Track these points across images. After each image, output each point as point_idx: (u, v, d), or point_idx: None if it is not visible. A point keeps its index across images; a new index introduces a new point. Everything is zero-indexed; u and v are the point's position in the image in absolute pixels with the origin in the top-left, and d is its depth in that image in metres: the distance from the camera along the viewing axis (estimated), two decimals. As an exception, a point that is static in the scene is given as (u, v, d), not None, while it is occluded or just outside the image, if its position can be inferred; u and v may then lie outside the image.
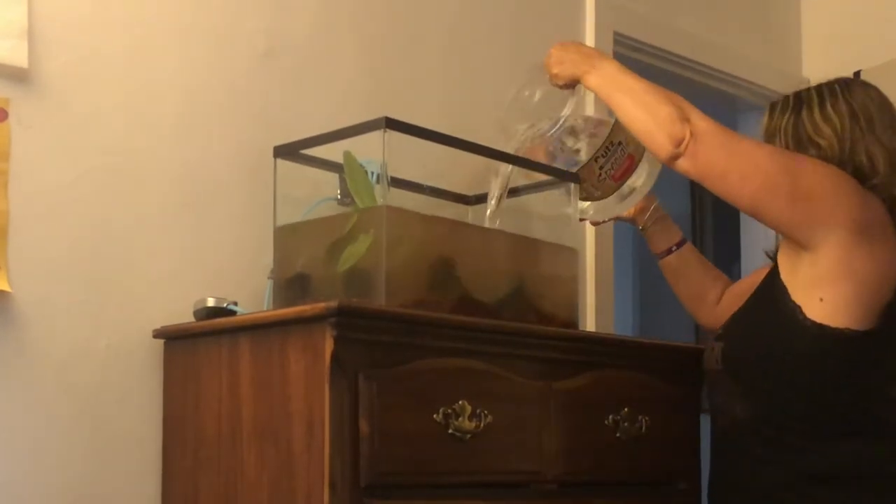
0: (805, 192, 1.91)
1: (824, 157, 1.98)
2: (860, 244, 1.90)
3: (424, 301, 1.95)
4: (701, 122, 1.93)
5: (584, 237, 2.83)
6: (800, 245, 1.93)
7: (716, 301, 2.38)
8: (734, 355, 2.01)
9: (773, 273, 2.00)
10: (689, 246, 2.42)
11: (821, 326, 1.89)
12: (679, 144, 1.91)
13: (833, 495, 1.90)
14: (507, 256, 2.17)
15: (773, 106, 2.10)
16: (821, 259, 1.90)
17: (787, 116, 2.04)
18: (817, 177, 1.93)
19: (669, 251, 2.39)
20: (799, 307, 1.91)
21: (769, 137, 2.06)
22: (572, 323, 2.25)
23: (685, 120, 1.92)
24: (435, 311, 1.94)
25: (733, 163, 1.91)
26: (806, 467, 1.92)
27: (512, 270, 2.16)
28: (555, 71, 2.13)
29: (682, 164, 1.93)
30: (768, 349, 1.95)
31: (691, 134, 1.91)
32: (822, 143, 1.99)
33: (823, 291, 1.89)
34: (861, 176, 1.96)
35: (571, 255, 2.27)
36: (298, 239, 2.08)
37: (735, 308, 2.14)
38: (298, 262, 2.06)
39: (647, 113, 1.96)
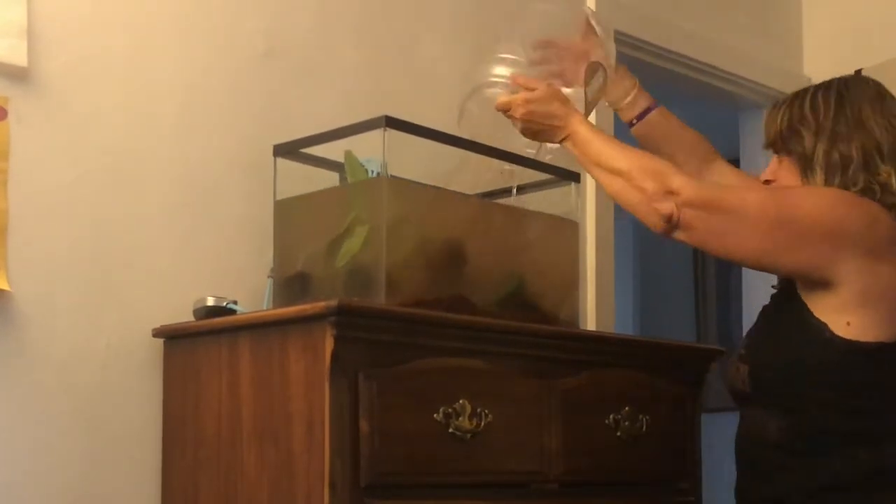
0: (806, 237, 1.87)
1: (803, 149, 1.95)
2: (878, 265, 1.87)
3: (426, 287, 1.96)
4: (685, 190, 1.89)
5: (585, 238, 2.83)
6: (817, 285, 1.90)
7: (696, 171, 2.25)
8: (764, 377, 1.98)
9: (790, 288, 1.97)
10: (658, 112, 2.29)
11: (849, 342, 1.87)
12: (669, 220, 1.89)
13: (855, 502, 1.90)
14: (509, 229, 2.19)
15: (775, 102, 2.10)
16: (841, 291, 1.87)
17: (782, 109, 2.04)
18: (815, 215, 1.88)
19: (631, 124, 2.30)
20: (825, 325, 1.88)
21: (767, 129, 2.05)
22: (573, 321, 2.25)
23: (669, 193, 1.89)
24: (438, 290, 1.96)
25: (727, 228, 1.89)
26: (830, 475, 1.90)
27: (515, 242, 2.18)
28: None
29: (679, 237, 1.91)
30: (798, 367, 1.93)
31: (678, 207, 1.88)
32: (804, 131, 1.96)
33: (850, 316, 1.87)
34: (846, 165, 1.92)
35: (572, 227, 2.30)
36: (299, 213, 2.08)
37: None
38: (298, 250, 2.06)
39: (631, 191, 1.92)
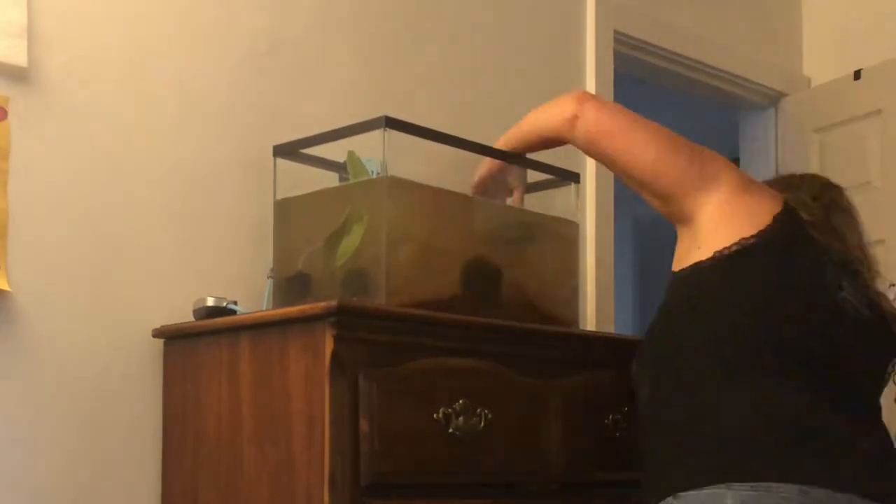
0: (700, 154, 1.95)
1: None
2: (739, 197, 1.92)
3: (426, 287, 1.96)
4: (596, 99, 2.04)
5: (585, 238, 2.83)
6: (683, 214, 1.94)
7: None
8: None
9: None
10: None
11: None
12: (582, 102, 2.00)
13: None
14: (509, 229, 2.20)
15: None
16: (701, 222, 1.92)
17: None
18: (708, 148, 1.98)
19: None
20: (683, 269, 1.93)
21: None
22: (573, 321, 2.25)
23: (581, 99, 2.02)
24: (438, 290, 1.96)
25: (639, 124, 1.98)
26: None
27: (515, 242, 2.20)
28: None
29: (586, 120, 1.98)
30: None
31: (589, 100, 2.01)
32: None
33: (701, 241, 1.92)
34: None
35: (572, 227, 2.31)
36: (299, 213, 2.08)
37: None
38: (298, 250, 2.06)
39: (548, 107, 2.07)
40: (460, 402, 1.85)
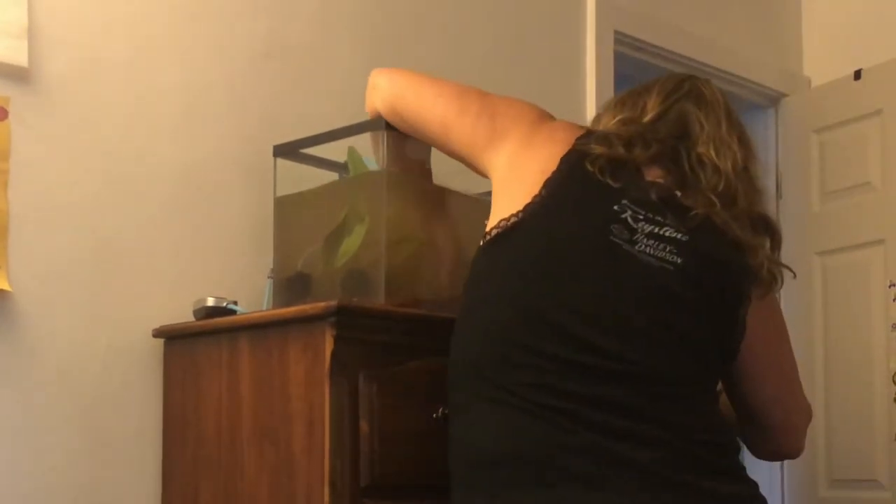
0: (491, 108, 1.77)
1: None
2: (520, 157, 1.71)
3: (426, 287, 1.97)
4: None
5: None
6: (479, 169, 1.79)
7: None
8: None
9: None
10: None
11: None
12: (376, 75, 1.93)
13: None
14: None
15: None
16: (493, 187, 1.73)
17: None
18: (505, 98, 1.81)
19: None
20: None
21: None
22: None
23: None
24: (437, 290, 1.96)
25: (428, 81, 1.86)
26: None
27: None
28: None
29: (381, 88, 1.90)
30: None
31: (382, 70, 1.95)
32: None
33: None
34: None
35: None
36: (299, 211, 2.08)
37: None
38: (298, 249, 2.06)
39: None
40: (460, 402, 1.85)
